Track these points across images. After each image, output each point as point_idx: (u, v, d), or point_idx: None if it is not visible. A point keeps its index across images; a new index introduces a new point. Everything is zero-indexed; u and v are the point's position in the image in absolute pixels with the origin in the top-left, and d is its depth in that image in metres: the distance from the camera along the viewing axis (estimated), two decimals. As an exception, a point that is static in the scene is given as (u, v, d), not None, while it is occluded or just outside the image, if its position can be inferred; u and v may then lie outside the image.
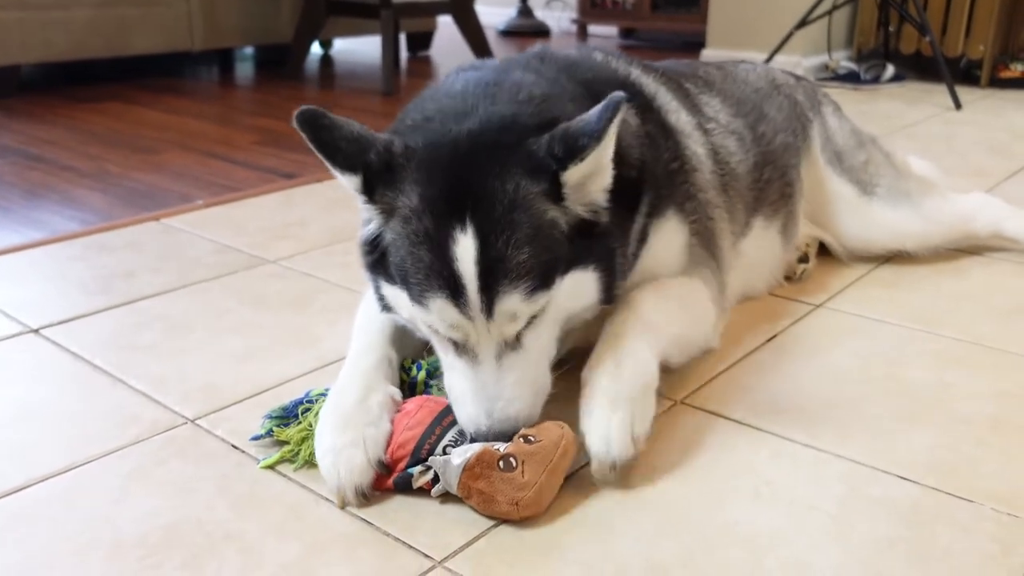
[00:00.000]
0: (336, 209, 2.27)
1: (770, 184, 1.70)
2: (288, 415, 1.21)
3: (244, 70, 4.67)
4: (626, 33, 6.27)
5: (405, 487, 1.09)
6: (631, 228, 1.27)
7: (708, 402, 1.33)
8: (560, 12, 6.78)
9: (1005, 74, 4.19)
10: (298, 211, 2.26)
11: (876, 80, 4.22)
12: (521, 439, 1.07)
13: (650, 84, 1.51)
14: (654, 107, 1.45)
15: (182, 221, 2.16)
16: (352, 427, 1.12)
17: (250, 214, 2.23)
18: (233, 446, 1.22)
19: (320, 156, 1.12)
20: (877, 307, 1.68)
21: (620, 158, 1.16)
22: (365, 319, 1.36)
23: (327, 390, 1.23)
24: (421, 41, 5.28)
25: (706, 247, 1.45)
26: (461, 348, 1.10)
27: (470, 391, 1.10)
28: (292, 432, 1.18)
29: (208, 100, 3.87)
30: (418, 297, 1.08)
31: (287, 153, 2.85)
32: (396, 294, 1.15)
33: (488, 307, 1.06)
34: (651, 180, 1.31)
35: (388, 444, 1.12)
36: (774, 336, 1.56)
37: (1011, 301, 1.71)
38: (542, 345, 1.14)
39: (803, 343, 1.54)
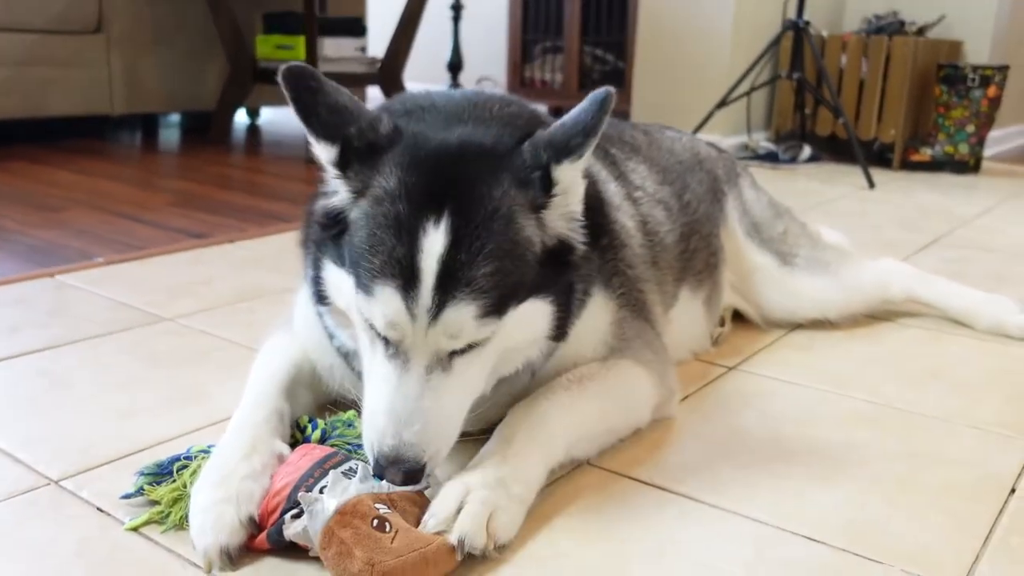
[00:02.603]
0: (246, 269, 2.19)
1: (696, 254, 1.69)
2: (162, 472, 1.12)
3: (168, 136, 4.60)
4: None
5: (278, 538, 1.00)
6: (593, 270, 1.22)
7: (613, 463, 1.27)
8: (490, 90, 6.88)
9: (915, 157, 4.35)
10: (205, 270, 2.17)
11: (794, 160, 4.34)
12: (403, 511, 0.99)
13: None
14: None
15: (78, 278, 2.06)
16: (228, 483, 1.03)
17: (152, 272, 2.13)
18: (98, 508, 1.11)
19: (298, 117, 1.05)
20: (790, 370, 1.66)
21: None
22: (260, 370, 1.28)
23: (210, 447, 1.15)
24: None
25: (639, 315, 1.40)
26: (392, 352, 1.02)
27: (386, 403, 1.01)
28: (163, 491, 1.08)
29: (125, 163, 3.77)
30: (367, 282, 1.00)
31: (199, 214, 2.77)
32: (340, 278, 1.07)
33: (436, 310, 0.98)
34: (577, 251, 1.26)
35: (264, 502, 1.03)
36: (685, 397, 1.52)
37: (921, 365, 1.71)
38: (472, 378, 1.06)
39: (714, 404, 1.51)
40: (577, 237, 1.12)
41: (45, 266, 2.13)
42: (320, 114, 1.05)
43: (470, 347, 1.04)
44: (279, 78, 1.04)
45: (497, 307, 1.02)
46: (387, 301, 0.99)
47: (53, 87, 3.85)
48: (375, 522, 0.95)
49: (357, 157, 1.05)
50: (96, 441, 1.29)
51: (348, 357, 1.23)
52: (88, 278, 2.06)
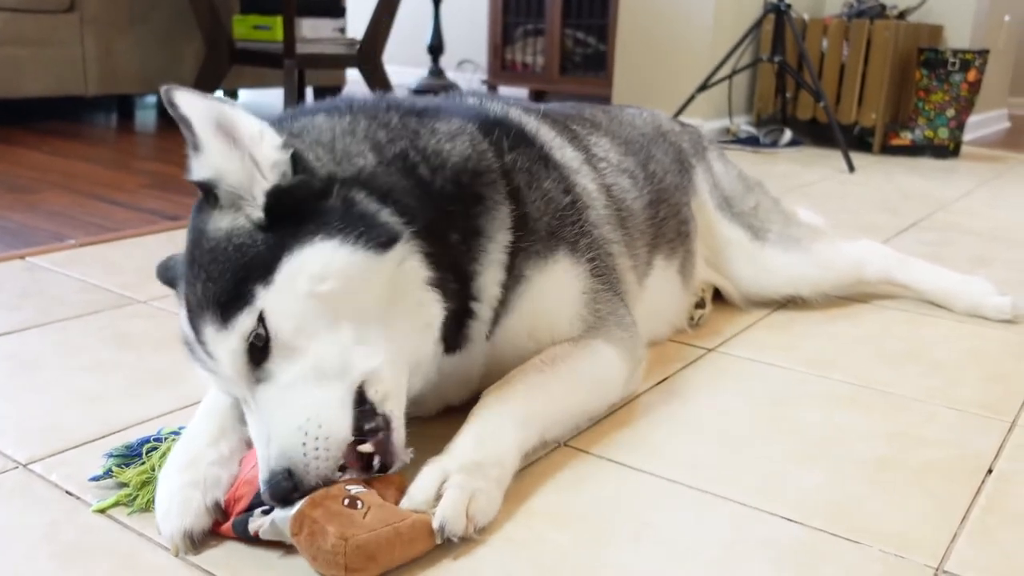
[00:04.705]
0: (220, 251, 2.15)
1: (666, 222, 1.67)
2: (132, 454, 1.10)
3: (145, 117, 4.53)
4: (536, 95, 6.35)
5: (243, 530, 0.98)
6: (450, 230, 1.14)
7: (591, 445, 1.26)
8: (471, 74, 6.83)
9: (896, 141, 4.36)
10: (177, 252, 2.13)
11: (774, 144, 4.34)
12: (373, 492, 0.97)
13: (531, 122, 1.45)
14: (536, 143, 1.38)
15: (50, 260, 2.02)
16: (195, 468, 1.01)
17: (126, 254, 2.10)
18: (67, 492, 1.09)
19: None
20: (769, 351, 1.65)
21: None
22: None
23: (180, 429, 1.13)
24: (330, 95, 5.21)
25: (610, 287, 1.38)
26: (243, 403, 1.04)
27: (255, 442, 1.01)
28: (132, 474, 1.06)
29: (100, 144, 3.72)
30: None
31: (175, 196, 2.73)
32: None
33: (208, 355, 1.01)
34: (531, 214, 1.25)
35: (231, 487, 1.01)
36: (664, 379, 1.51)
37: (901, 346, 1.71)
38: (299, 370, 0.99)
39: (693, 386, 1.50)
40: (301, 176, 1.04)
41: (16, 248, 2.09)
42: None
43: (265, 343, 0.99)
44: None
45: (232, 302, 0.99)
46: (196, 370, 1.11)
47: (25, 67, 3.77)
48: (346, 501, 0.94)
49: None
50: (65, 424, 1.26)
51: None
52: (60, 260, 2.02)
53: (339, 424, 0.97)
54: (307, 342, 0.99)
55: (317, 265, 0.99)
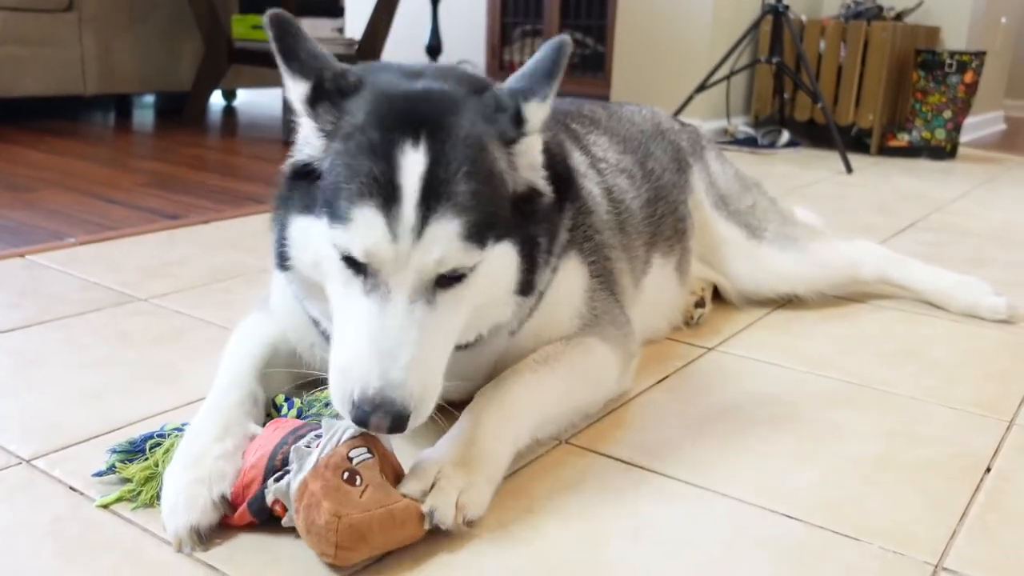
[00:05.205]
0: (221, 249, 2.16)
1: (664, 220, 1.68)
2: (135, 450, 1.10)
3: (143, 117, 4.53)
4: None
5: (260, 507, 0.99)
6: (558, 228, 1.22)
7: (592, 442, 1.27)
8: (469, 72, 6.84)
9: (893, 143, 4.37)
10: (179, 251, 2.14)
11: (772, 145, 4.35)
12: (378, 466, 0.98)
13: None
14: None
15: (50, 258, 2.02)
16: (201, 464, 1.02)
17: (126, 252, 2.10)
18: (71, 487, 1.10)
19: (277, 57, 1.08)
20: (768, 351, 1.66)
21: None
22: (235, 351, 1.27)
23: (184, 425, 1.13)
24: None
25: (607, 288, 1.40)
26: (371, 286, 0.99)
27: (367, 339, 0.96)
28: (135, 469, 1.07)
29: (98, 143, 3.72)
30: (343, 212, 0.98)
31: (173, 195, 2.73)
32: (307, 226, 1.05)
33: (420, 227, 0.97)
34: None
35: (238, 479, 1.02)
36: (664, 378, 1.52)
37: (898, 346, 1.72)
38: (454, 318, 1.03)
39: (693, 384, 1.50)
40: (543, 185, 1.14)
41: (16, 246, 2.10)
42: (300, 56, 1.07)
43: (453, 280, 1.01)
44: (264, 21, 1.07)
45: (479, 231, 1.00)
46: (368, 222, 0.97)
47: (24, 66, 3.77)
48: (346, 475, 0.94)
49: (327, 98, 1.07)
50: (68, 421, 1.27)
51: (327, 335, 1.22)
52: (60, 258, 2.03)
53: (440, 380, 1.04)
54: None
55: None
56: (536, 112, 1.08)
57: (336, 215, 0.99)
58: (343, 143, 1.03)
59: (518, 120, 1.07)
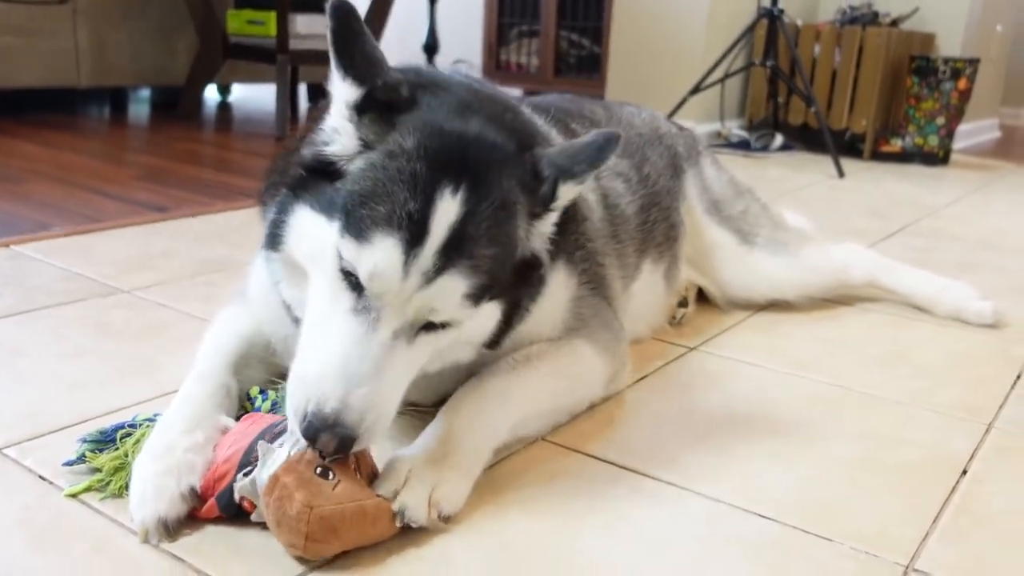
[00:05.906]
0: (208, 242, 2.15)
1: (656, 226, 1.68)
2: (106, 440, 1.09)
3: (137, 110, 4.52)
4: (530, 96, 6.35)
5: (228, 502, 0.98)
6: (541, 292, 1.20)
7: (566, 438, 1.26)
8: (465, 70, 6.84)
9: (886, 148, 4.38)
10: (164, 243, 2.14)
11: (766, 149, 4.35)
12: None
13: (542, 126, 1.45)
14: None
15: (34, 248, 2.01)
16: (170, 455, 1.01)
17: (111, 244, 2.09)
18: (40, 476, 1.09)
19: (331, 49, 1.05)
20: (751, 351, 1.66)
21: None
22: (211, 343, 1.26)
23: (156, 416, 1.13)
24: (324, 92, 5.20)
25: (597, 292, 1.39)
26: (361, 307, 0.98)
27: (340, 359, 0.96)
28: (105, 459, 1.06)
29: (91, 136, 3.71)
30: (363, 230, 0.97)
31: (165, 189, 2.72)
32: (315, 223, 1.03)
33: (433, 274, 0.96)
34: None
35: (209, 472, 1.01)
36: (644, 376, 1.52)
37: (882, 349, 1.71)
38: (421, 359, 1.04)
39: (673, 384, 1.50)
40: (545, 256, 1.14)
41: (1, 236, 2.09)
42: (354, 55, 1.05)
43: (437, 327, 1.02)
44: (327, 9, 1.04)
45: (480, 292, 1.01)
46: (386, 251, 0.96)
47: (18, 58, 3.76)
48: (319, 470, 0.94)
49: (375, 108, 1.05)
50: (43, 410, 1.26)
51: (299, 322, 1.21)
52: (44, 248, 2.02)
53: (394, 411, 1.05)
54: None
55: None
56: (569, 193, 1.10)
57: (353, 228, 0.98)
58: (384, 159, 1.01)
59: (550, 195, 1.09)
